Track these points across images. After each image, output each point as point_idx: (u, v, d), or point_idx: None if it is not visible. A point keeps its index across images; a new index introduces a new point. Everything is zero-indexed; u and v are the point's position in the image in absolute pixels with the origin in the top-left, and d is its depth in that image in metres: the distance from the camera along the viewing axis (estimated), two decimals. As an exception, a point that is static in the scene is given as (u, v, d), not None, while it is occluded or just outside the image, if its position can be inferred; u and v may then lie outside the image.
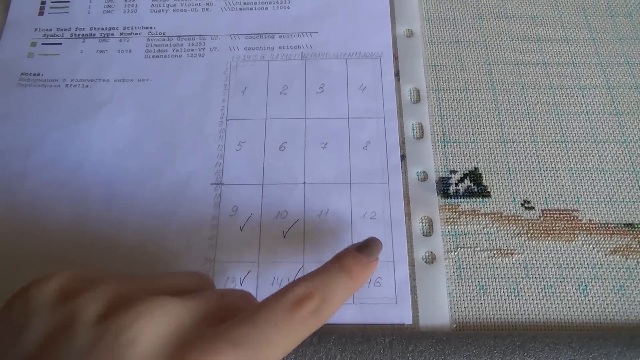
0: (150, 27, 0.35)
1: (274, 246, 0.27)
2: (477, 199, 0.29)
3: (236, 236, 0.28)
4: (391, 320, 0.26)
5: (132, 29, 0.35)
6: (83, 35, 0.34)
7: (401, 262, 0.27)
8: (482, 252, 0.28)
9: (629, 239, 0.28)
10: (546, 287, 0.27)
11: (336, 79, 0.32)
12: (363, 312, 0.26)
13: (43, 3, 0.36)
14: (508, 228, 0.28)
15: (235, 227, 0.28)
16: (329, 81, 0.32)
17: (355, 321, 0.26)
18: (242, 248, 0.27)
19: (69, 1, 0.36)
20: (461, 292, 0.27)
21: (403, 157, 0.30)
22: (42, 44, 0.34)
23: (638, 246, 0.28)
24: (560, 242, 0.28)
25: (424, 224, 0.28)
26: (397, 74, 0.33)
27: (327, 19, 0.34)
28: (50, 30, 0.35)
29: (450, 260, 0.28)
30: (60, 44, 0.34)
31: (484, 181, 0.29)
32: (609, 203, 0.29)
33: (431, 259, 0.27)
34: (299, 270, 0.27)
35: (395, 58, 0.33)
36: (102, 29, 0.35)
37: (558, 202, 0.29)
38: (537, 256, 0.28)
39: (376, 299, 0.26)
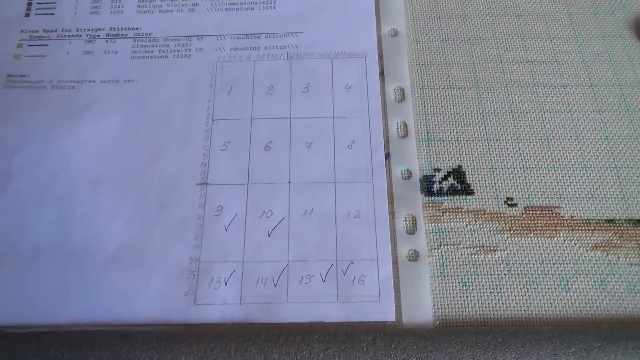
0: (137, 28, 0.35)
1: (258, 245, 0.27)
2: (461, 196, 0.29)
3: (221, 236, 0.28)
4: (374, 318, 0.26)
5: (118, 30, 0.35)
6: (69, 36, 0.34)
7: (385, 260, 0.27)
8: (465, 250, 0.28)
9: (610, 235, 0.28)
10: (528, 283, 0.27)
11: (321, 79, 0.32)
12: (346, 310, 0.26)
13: (29, 4, 0.36)
14: (491, 225, 0.28)
15: (220, 227, 0.28)
16: (314, 81, 0.32)
17: (338, 319, 0.26)
18: (226, 248, 0.27)
19: (55, 2, 0.35)
20: (444, 289, 0.27)
21: (387, 156, 0.30)
22: (29, 45, 0.34)
23: (619, 242, 0.28)
24: (542, 239, 0.28)
25: (407, 222, 0.28)
26: (381, 73, 0.33)
27: (313, 19, 0.34)
28: (37, 31, 0.34)
29: (434, 258, 0.28)
30: (47, 45, 0.34)
31: (468, 179, 0.30)
32: (591, 199, 0.29)
33: (415, 257, 0.28)
34: (283, 269, 0.27)
35: (380, 57, 0.33)
36: (89, 30, 0.34)
37: (540, 199, 0.29)
38: (519, 253, 0.28)
39: (360, 297, 0.26)
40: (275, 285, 0.26)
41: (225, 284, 0.27)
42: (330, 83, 0.32)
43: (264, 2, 0.35)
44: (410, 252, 0.28)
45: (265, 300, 0.26)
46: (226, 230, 0.28)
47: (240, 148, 0.30)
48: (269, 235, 0.28)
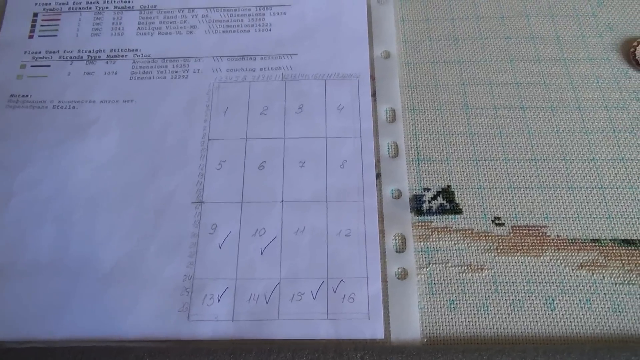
0: (136, 50, 0.36)
1: (251, 263, 0.28)
2: (450, 215, 0.30)
3: (215, 253, 0.29)
4: (363, 335, 0.26)
5: (118, 51, 0.36)
6: (71, 57, 0.36)
7: (374, 279, 0.28)
8: (453, 268, 0.29)
9: (595, 254, 0.29)
10: (514, 301, 0.28)
11: (315, 100, 0.33)
12: (336, 328, 0.27)
13: (33, 26, 0.37)
14: (479, 244, 0.29)
15: (214, 245, 0.29)
16: (308, 102, 0.33)
17: (328, 336, 0.26)
18: (220, 265, 0.28)
19: (58, 24, 0.37)
20: (432, 307, 0.28)
21: (378, 176, 0.31)
22: (31, 66, 0.35)
23: (604, 261, 0.29)
24: (528, 258, 0.29)
25: (397, 241, 0.29)
26: (373, 94, 0.34)
27: (307, 41, 0.36)
28: (40, 52, 0.36)
29: (422, 276, 0.28)
30: (49, 66, 0.35)
31: (456, 198, 0.31)
32: (577, 219, 0.30)
33: (403, 275, 0.28)
34: (275, 287, 0.28)
35: (372, 79, 0.34)
36: (90, 51, 0.36)
37: (527, 219, 0.30)
38: (506, 271, 0.29)
39: (349, 315, 0.27)
40: (267, 303, 0.27)
41: (219, 301, 0.27)
42: (324, 104, 0.33)
43: (259, 25, 0.37)
44: (400, 270, 0.29)
45: (257, 317, 0.27)
46: (220, 248, 0.29)
47: (235, 167, 0.31)
48: (261, 253, 0.29)
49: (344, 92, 0.34)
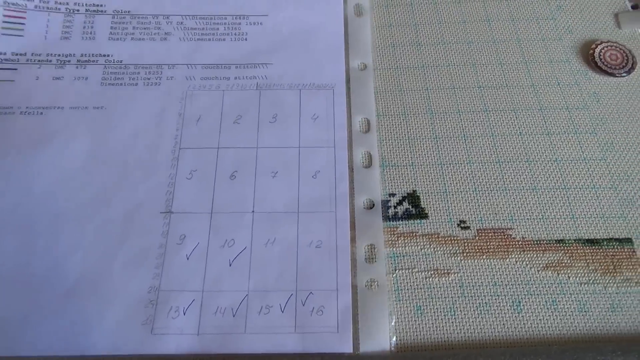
0: (108, 55, 0.30)
1: (219, 275, 0.24)
2: (415, 220, 0.26)
3: (182, 265, 0.24)
4: (332, 349, 0.22)
5: (89, 56, 0.30)
6: (39, 61, 0.30)
7: (344, 291, 0.23)
8: (419, 273, 0.24)
9: (560, 255, 0.25)
10: (481, 305, 0.24)
11: (289, 109, 0.28)
12: (304, 342, 0.22)
13: (-5, 25, 0.31)
14: (445, 248, 0.25)
15: (181, 256, 0.24)
16: (282, 111, 0.28)
17: (295, 350, 0.22)
18: (187, 277, 0.24)
19: (24, 23, 0.31)
20: (399, 314, 0.23)
21: (351, 186, 0.26)
22: (-3, 69, 0.29)
23: (569, 261, 0.25)
24: (494, 260, 0.25)
25: (367, 251, 0.25)
26: (348, 105, 0.29)
27: (283, 51, 0.30)
28: (5, 54, 0.30)
29: (389, 283, 0.24)
30: (16, 69, 0.29)
31: (422, 203, 0.26)
32: (541, 220, 0.26)
33: (373, 286, 0.24)
34: (242, 299, 0.23)
35: (348, 89, 0.29)
36: (59, 55, 0.30)
37: (493, 221, 0.26)
38: (472, 275, 0.24)
39: (318, 328, 0.23)
40: (234, 316, 0.23)
41: (184, 314, 0.23)
42: (298, 113, 0.28)
43: (235, 34, 0.31)
44: (369, 280, 0.24)
45: (223, 330, 0.22)
46: (187, 259, 0.24)
47: (205, 177, 0.26)
48: (230, 265, 0.24)
49: (319, 102, 0.29)
